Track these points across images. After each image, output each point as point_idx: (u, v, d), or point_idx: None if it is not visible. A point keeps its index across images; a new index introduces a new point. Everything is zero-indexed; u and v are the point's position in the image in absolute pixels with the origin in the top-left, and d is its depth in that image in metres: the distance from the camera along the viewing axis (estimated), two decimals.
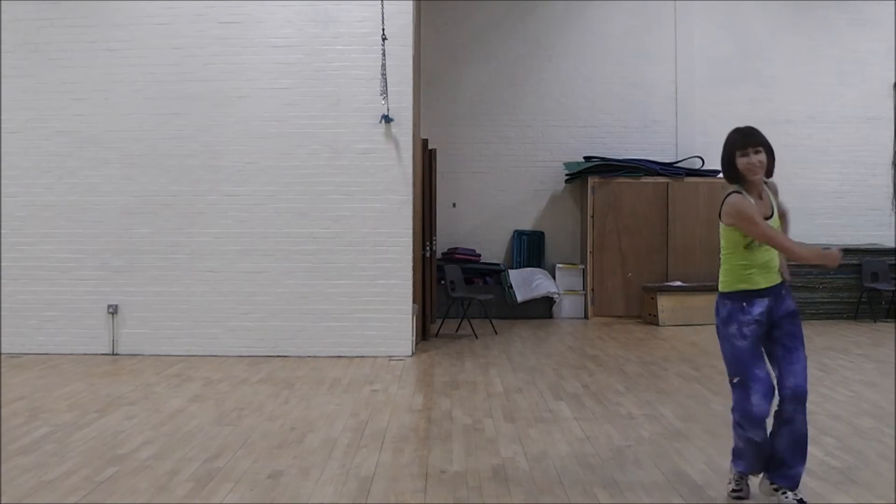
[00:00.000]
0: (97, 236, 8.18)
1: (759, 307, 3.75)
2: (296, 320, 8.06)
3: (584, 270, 11.09)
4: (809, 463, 4.46)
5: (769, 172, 3.79)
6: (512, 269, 11.23)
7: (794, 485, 3.79)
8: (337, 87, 8.07)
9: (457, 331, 9.73)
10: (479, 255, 11.38)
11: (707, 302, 10.38)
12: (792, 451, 3.76)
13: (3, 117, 8.21)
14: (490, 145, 11.53)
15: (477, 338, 9.23)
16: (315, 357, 7.95)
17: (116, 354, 8.11)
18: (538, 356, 8.08)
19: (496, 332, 9.61)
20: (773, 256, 3.78)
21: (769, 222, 3.74)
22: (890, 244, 11.20)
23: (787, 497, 3.78)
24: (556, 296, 10.92)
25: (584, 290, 11.04)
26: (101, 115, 8.18)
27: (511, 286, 10.83)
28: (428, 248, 9.20)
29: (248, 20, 8.13)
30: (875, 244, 11.32)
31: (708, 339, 9.14)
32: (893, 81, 11.56)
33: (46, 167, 8.21)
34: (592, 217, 10.92)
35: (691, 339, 9.14)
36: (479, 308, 10.15)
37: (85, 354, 8.09)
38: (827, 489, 4.06)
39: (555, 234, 11.58)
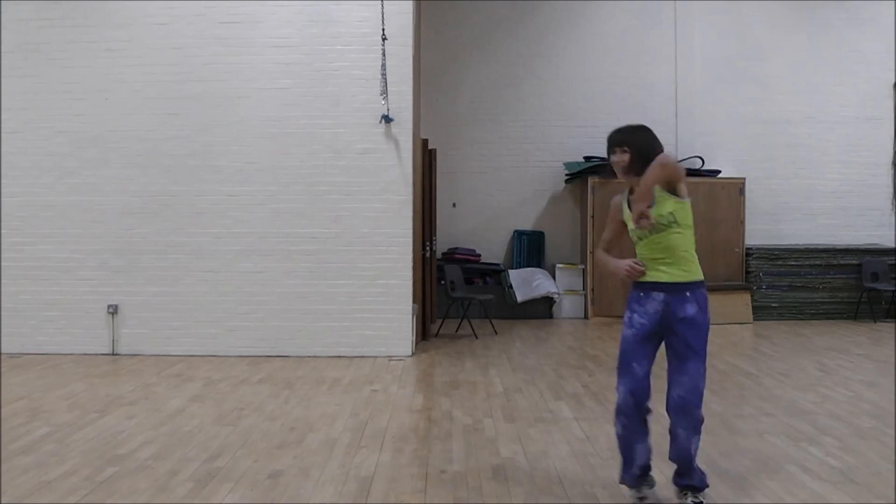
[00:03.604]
0: (97, 236, 8.18)
1: (653, 304, 3.69)
2: (296, 320, 8.06)
3: (584, 270, 11.08)
4: (809, 463, 4.48)
5: (637, 171, 3.69)
6: (512, 269, 11.23)
7: (682, 487, 3.81)
8: (337, 87, 8.07)
9: (457, 331, 9.72)
10: (479, 255, 11.38)
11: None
12: (678, 465, 3.79)
13: (3, 117, 8.21)
14: (490, 145, 11.53)
15: (477, 338, 9.23)
16: (315, 357, 7.95)
17: (116, 354, 8.11)
18: (538, 356, 8.08)
19: (496, 332, 9.61)
20: (660, 254, 3.69)
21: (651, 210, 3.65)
22: (890, 244, 11.19)
23: (686, 499, 3.78)
24: (556, 296, 10.92)
25: (584, 290, 11.04)
26: (101, 115, 8.18)
27: (511, 286, 10.83)
28: (428, 248, 9.20)
29: (248, 20, 8.13)
30: (875, 244, 11.32)
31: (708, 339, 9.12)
32: (893, 81, 11.56)
33: (46, 167, 8.21)
34: (592, 217, 10.92)
35: None
36: (479, 308, 10.15)
37: (85, 354, 8.09)
38: (827, 489, 4.06)
39: (555, 234, 11.57)
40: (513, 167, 11.57)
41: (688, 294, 3.68)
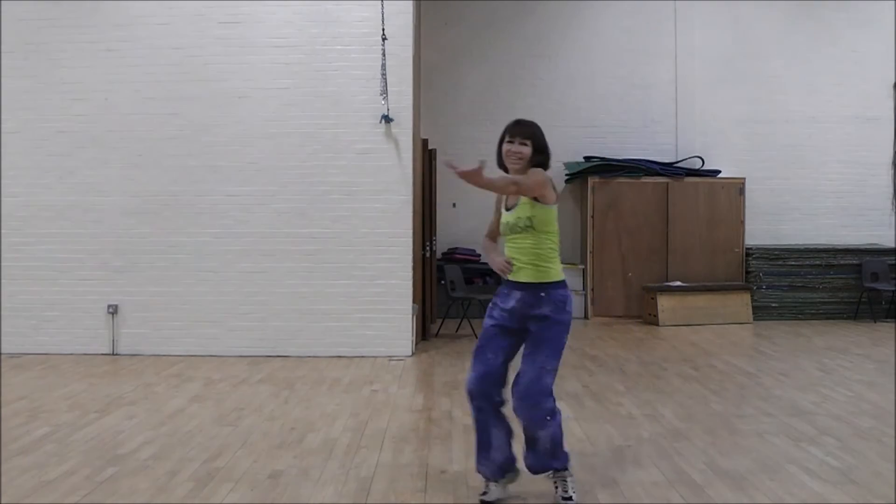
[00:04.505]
0: (97, 236, 8.18)
1: (511, 301, 3.85)
2: (296, 320, 8.05)
3: (584, 270, 11.08)
4: (809, 463, 4.49)
5: (530, 166, 3.88)
6: None
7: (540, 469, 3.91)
8: (337, 87, 8.07)
9: (457, 331, 9.72)
10: (479, 255, 11.37)
11: (707, 302, 10.42)
12: (536, 455, 3.89)
13: (3, 117, 8.21)
14: (490, 145, 11.19)
15: (477, 338, 9.21)
16: (315, 357, 7.95)
17: (116, 354, 8.11)
18: None
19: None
20: (518, 254, 3.85)
21: (508, 214, 3.90)
22: (890, 244, 11.19)
23: (556, 488, 3.88)
24: None
25: (584, 290, 11.04)
26: (101, 115, 8.18)
27: None
28: (428, 248, 9.20)
29: (248, 20, 8.13)
30: (875, 244, 11.32)
31: (708, 339, 9.14)
32: (893, 81, 11.56)
33: (46, 167, 8.20)
34: (592, 217, 10.92)
35: (691, 339, 9.14)
36: (479, 308, 10.14)
37: (85, 354, 8.09)
38: (827, 489, 4.06)
39: None
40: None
41: (542, 295, 3.81)
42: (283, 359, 7.89)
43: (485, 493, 3.96)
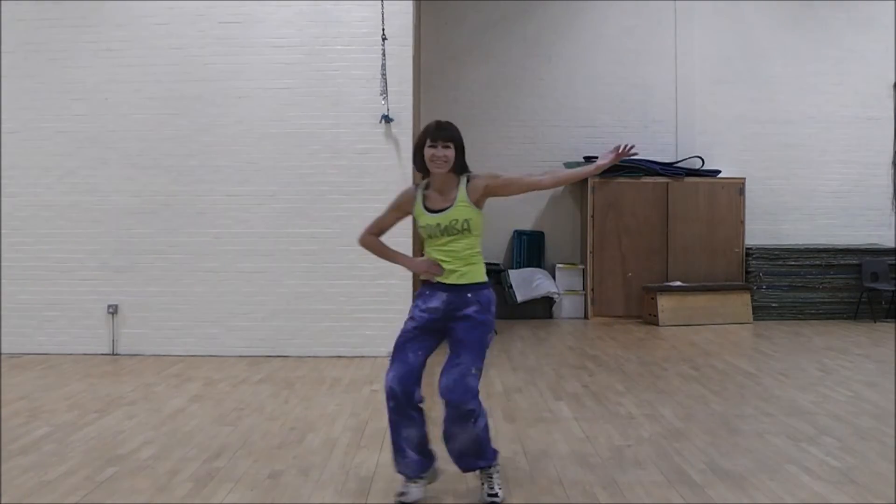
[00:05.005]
0: (97, 236, 8.18)
1: (435, 301, 3.86)
2: (296, 320, 8.06)
3: (584, 270, 11.08)
4: (809, 463, 4.49)
5: (458, 169, 3.94)
6: (512, 269, 11.23)
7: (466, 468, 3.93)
8: (337, 87, 8.07)
9: None
10: None
11: (707, 302, 10.42)
12: (460, 454, 3.90)
13: (3, 117, 8.21)
14: (490, 145, 11.51)
15: None
16: (315, 357, 7.95)
17: (116, 354, 8.11)
18: (538, 356, 8.08)
19: (496, 332, 9.59)
20: (446, 257, 3.84)
21: (437, 216, 3.85)
22: (890, 244, 11.19)
23: (483, 485, 3.92)
24: (556, 296, 10.91)
25: (584, 290, 11.04)
26: (101, 115, 8.18)
27: (511, 286, 10.82)
28: None
29: (248, 20, 8.13)
30: (875, 244, 11.32)
31: (708, 339, 9.14)
32: (893, 81, 11.56)
33: (46, 167, 8.20)
34: (592, 217, 10.92)
35: (691, 339, 9.14)
36: None
37: (85, 354, 8.09)
38: (827, 489, 4.06)
39: (555, 234, 11.57)
40: (513, 167, 11.53)
41: (469, 295, 3.84)
42: (283, 359, 7.90)
43: (402, 494, 3.94)
